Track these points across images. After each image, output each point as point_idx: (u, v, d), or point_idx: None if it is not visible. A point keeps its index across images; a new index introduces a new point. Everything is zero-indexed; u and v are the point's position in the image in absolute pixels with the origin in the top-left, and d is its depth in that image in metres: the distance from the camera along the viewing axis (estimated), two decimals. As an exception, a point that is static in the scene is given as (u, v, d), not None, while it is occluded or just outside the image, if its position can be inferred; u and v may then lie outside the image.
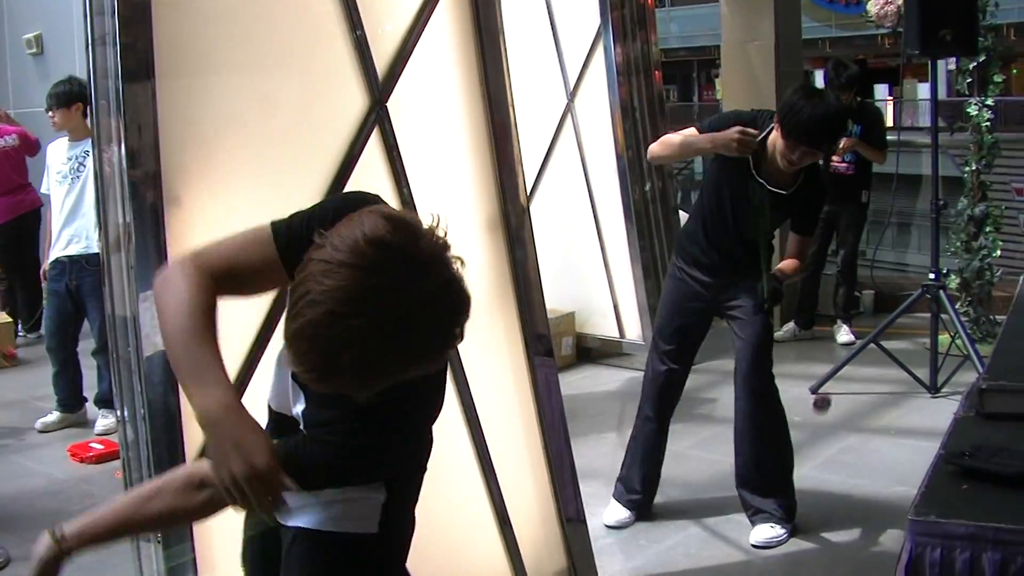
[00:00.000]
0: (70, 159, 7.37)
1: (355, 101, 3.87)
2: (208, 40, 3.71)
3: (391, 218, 2.08)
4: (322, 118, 3.86)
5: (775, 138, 4.98)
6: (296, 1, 3.95)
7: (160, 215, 3.58)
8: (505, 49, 4.50)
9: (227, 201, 3.56)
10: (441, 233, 2.11)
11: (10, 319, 9.53)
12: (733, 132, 4.98)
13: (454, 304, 2.09)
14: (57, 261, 7.39)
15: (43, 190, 7.71)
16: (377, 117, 3.96)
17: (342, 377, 2.05)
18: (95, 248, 7.16)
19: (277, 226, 2.39)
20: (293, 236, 2.33)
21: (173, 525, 2.86)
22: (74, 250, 7.31)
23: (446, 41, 4.31)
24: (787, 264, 5.18)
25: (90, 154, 7.12)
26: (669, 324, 5.49)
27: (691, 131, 5.23)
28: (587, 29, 8.52)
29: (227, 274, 2.39)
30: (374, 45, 3.99)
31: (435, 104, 4.29)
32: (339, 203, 2.39)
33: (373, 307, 1.98)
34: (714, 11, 10.27)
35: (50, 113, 7.47)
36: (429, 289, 2.03)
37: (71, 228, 7.33)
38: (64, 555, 2.34)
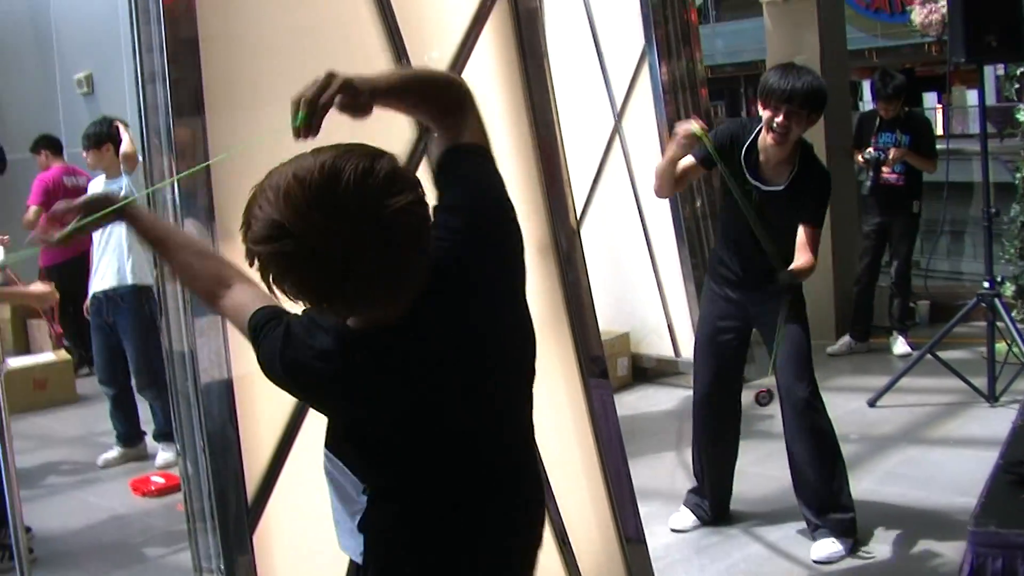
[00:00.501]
0: None
1: (403, 130, 3.90)
2: (256, 74, 3.75)
3: None
4: (371, 148, 3.88)
5: (763, 130, 5.08)
6: (341, 33, 4.00)
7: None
8: (550, 71, 4.52)
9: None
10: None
11: (69, 356, 9.64)
12: (676, 131, 5.09)
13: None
14: (94, 296, 7.53)
15: None
16: (425, 146, 3.98)
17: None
18: (129, 279, 7.37)
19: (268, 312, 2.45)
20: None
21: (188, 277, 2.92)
22: (107, 284, 7.43)
23: (491, 66, 4.34)
24: (799, 263, 5.15)
25: (123, 189, 7.35)
26: (706, 345, 5.51)
27: (689, 159, 5.30)
28: (632, 48, 8.53)
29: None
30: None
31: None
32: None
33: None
34: (759, 25, 10.26)
35: (84, 154, 7.67)
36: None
37: (104, 261, 7.46)
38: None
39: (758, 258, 5.19)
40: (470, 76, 4.22)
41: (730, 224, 5.34)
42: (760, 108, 5.05)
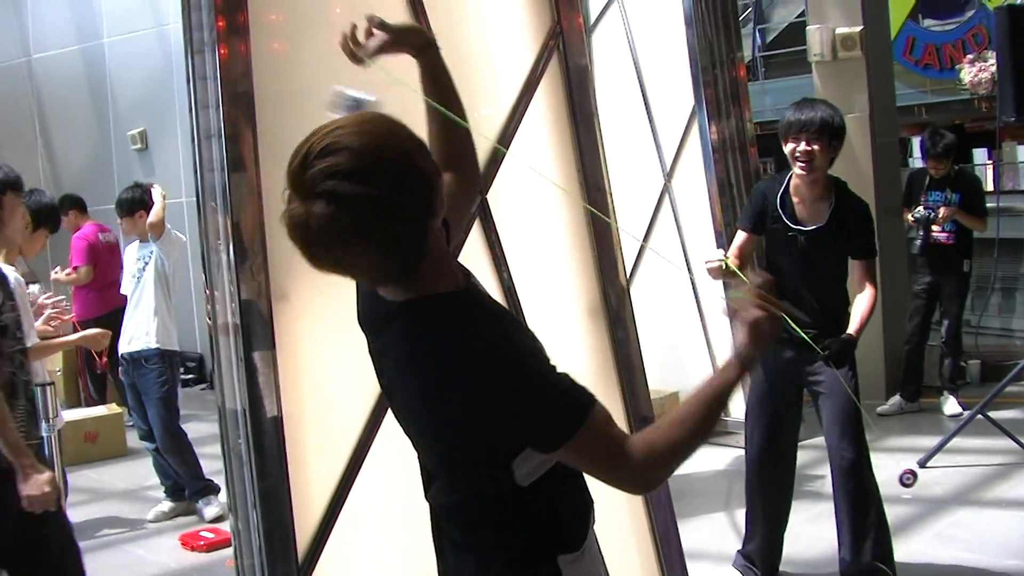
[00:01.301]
0: (139, 260, 7.75)
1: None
2: (310, 130, 3.80)
3: None
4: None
5: (793, 171, 5.20)
6: (393, 90, 4.04)
7: (268, 310, 3.65)
8: (600, 132, 4.56)
9: (332, 296, 3.62)
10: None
11: (120, 409, 9.71)
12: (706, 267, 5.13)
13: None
14: (122, 357, 7.71)
15: (122, 291, 7.94)
16: (479, 209, 4.02)
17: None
18: (154, 343, 7.55)
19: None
20: None
21: None
22: (134, 346, 7.61)
23: (543, 127, 4.38)
24: (856, 320, 5.14)
25: (154, 254, 7.60)
26: (757, 406, 5.50)
27: (740, 235, 5.39)
28: (681, 108, 8.56)
29: None
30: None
31: (533, 190, 4.34)
32: None
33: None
34: (808, 82, 10.26)
35: (119, 221, 7.90)
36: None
37: (133, 323, 7.67)
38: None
39: (807, 315, 5.17)
40: (522, 137, 4.27)
41: (779, 283, 5.31)
42: (784, 146, 5.17)
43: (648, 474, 2.33)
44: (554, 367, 2.28)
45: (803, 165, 5.10)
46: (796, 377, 5.38)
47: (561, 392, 2.26)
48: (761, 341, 2.38)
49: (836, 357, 5.04)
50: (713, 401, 2.33)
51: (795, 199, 5.23)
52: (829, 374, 5.14)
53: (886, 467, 6.69)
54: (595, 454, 2.29)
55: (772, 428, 5.47)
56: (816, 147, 5.06)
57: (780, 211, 5.22)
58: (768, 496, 5.56)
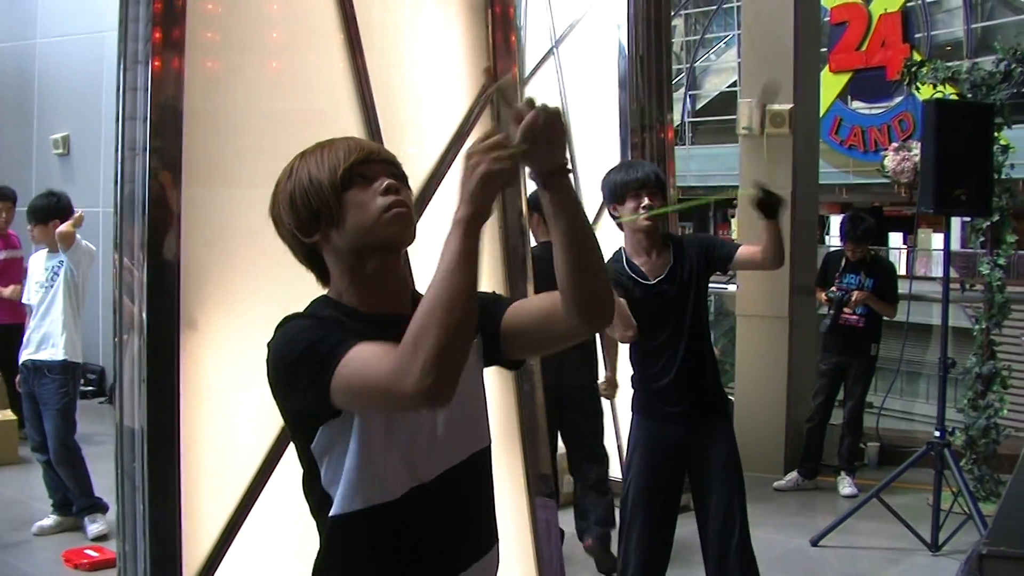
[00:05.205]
0: (47, 269, 7.59)
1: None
2: (234, 152, 3.78)
3: None
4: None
5: (627, 232, 5.16)
6: (320, 120, 4.03)
7: (176, 333, 3.62)
8: (525, 183, 4.57)
9: (243, 324, 3.59)
10: None
11: (15, 417, 9.53)
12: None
13: None
14: (23, 365, 7.55)
15: (24, 300, 7.81)
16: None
17: None
18: (60, 355, 7.42)
19: None
20: None
21: None
22: (40, 355, 7.46)
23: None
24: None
25: (64, 264, 7.46)
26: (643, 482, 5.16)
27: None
28: (607, 167, 8.57)
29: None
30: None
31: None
32: None
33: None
34: (733, 152, 10.38)
35: (29, 227, 7.68)
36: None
37: (39, 332, 7.51)
38: None
39: (694, 376, 5.04)
40: (451, 182, 4.27)
41: (655, 351, 5.09)
42: (622, 206, 5.05)
43: (415, 367, 2.12)
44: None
45: (647, 227, 5.04)
46: (679, 451, 5.09)
47: (313, 348, 2.28)
48: (482, 178, 2.15)
49: (764, 205, 5.12)
50: (446, 254, 2.16)
51: (639, 261, 5.11)
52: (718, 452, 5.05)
53: (778, 543, 6.73)
54: (363, 382, 2.23)
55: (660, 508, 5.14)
56: (657, 202, 5.02)
57: (633, 276, 5.07)
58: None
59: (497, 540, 2.61)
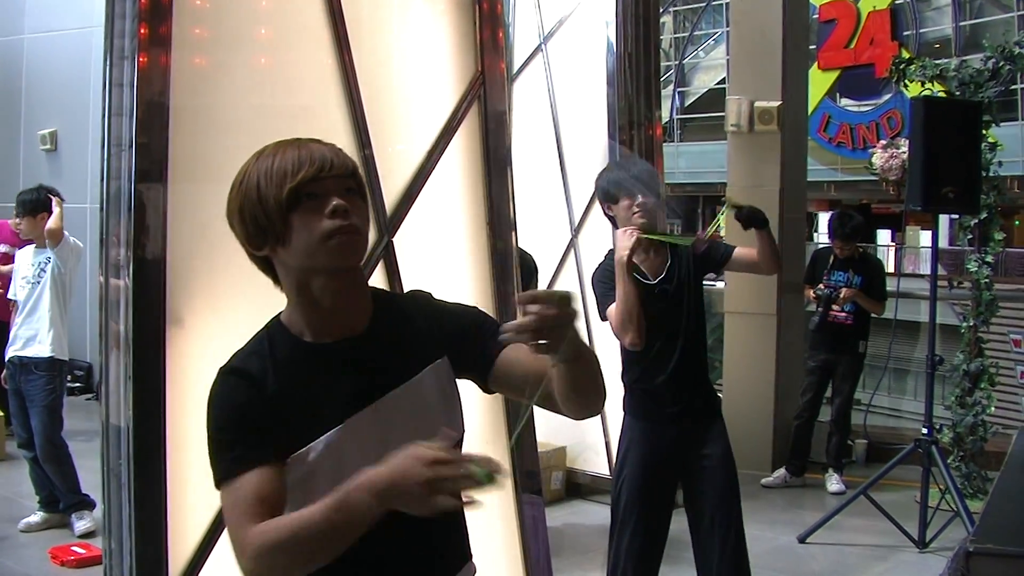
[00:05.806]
0: (34, 265, 7.56)
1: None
2: (221, 149, 3.76)
3: None
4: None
5: (621, 236, 4.87)
6: (308, 116, 4.02)
7: (162, 329, 3.61)
8: (512, 180, 4.56)
9: (228, 322, 3.58)
10: None
11: (1, 413, 9.50)
12: (619, 243, 4.85)
13: None
14: (9, 361, 7.53)
15: (10, 295, 7.78)
16: (383, 251, 4.00)
17: None
18: (47, 352, 7.41)
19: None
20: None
21: None
22: (27, 352, 7.44)
23: (457, 170, 4.38)
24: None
25: (51, 260, 7.44)
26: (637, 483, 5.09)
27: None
28: (595, 164, 8.55)
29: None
30: (380, 164, 4.07)
31: (441, 235, 4.34)
32: None
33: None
34: (721, 149, 10.37)
35: (17, 220, 7.63)
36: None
37: (27, 329, 7.48)
38: None
39: (689, 376, 5.00)
40: (437, 179, 4.26)
41: (651, 350, 4.98)
42: (616, 206, 4.90)
43: (246, 559, 2.18)
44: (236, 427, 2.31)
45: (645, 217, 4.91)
46: (676, 452, 5.03)
47: (217, 450, 2.31)
48: (405, 494, 2.08)
49: (746, 218, 5.08)
50: (334, 513, 2.13)
51: (637, 258, 4.91)
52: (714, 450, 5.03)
53: (765, 540, 6.73)
54: (225, 512, 2.29)
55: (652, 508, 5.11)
56: (650, 200, 4.87)
57: (633, 275, 4.88)
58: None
59: (469, 559, 2.56)
